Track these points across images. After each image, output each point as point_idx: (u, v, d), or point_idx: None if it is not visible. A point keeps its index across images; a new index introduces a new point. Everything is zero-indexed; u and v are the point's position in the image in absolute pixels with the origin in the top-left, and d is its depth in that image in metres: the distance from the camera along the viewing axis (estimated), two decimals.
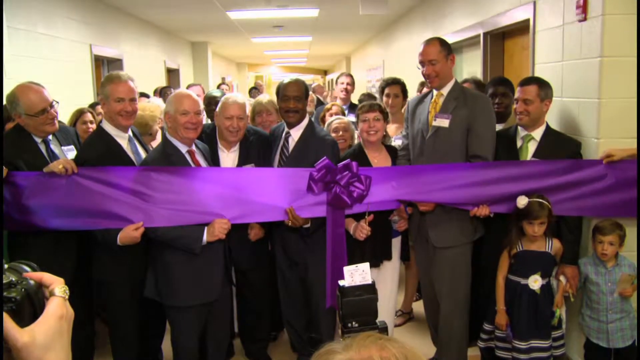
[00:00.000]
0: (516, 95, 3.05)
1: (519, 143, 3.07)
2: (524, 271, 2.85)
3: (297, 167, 2.97)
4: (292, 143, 3.16)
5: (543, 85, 3.00)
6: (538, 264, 2.85)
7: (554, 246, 2.86)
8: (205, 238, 2.71)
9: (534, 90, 2.96)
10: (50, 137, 2.91)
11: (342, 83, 5.48)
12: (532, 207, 2.78)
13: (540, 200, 2.79)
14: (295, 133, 3.16)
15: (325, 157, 2.88)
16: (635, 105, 2.86)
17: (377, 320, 1.62)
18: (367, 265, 1.70)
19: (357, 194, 2.85)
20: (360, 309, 1.63)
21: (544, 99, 2.97)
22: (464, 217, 2.97)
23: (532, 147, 3.03)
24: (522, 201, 2.79)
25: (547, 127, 3.05)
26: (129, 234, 2.69)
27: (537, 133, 3.03)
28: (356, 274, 1.67)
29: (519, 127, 3.08)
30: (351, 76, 5.65)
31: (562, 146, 2.99)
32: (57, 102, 2.91)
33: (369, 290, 1.65)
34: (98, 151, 2.82)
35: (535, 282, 2.83)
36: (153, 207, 2.75)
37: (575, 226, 2.95)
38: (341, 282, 1.67)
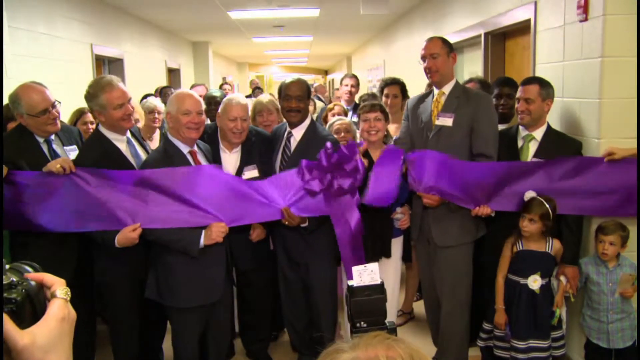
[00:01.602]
0: (518, 94, 3.05)
1: (520, 143, 3.07)
2: (524, 271, 2.85)
3: (293, 169, 2.96)
4: (294, 143, 3.15)
5: (544, 85, 3.00)
6: (538, 264, 2.85)
7: (554, 247, 2.86)
8: (202, 241, 2.71)
9: (535, 90, 2.96)
10: (52, 137, 2.90)
11: (347, 85, 5.47)
12: (530, 202, 2.79)
13: (541, 199, 2.79)
14: (297, 133, 3.16)
15: (302, 160, 2.86)
16: (636, 105, 2.86)
17: (386, 321, 1.61)
18: (375, 265, 1.69)
19: (350, 168, 2.80)
20: (368, 308, 1.62)
21: (545, 98, 2.97)
22: (466, 216, 2.97)
23: (533, 147, 3.03)
24: (528, 194, 2.81)
25: (548, 127, 3.05)
26: (127, 235, 2.68)
27: (538, 133, 3.02)
28: (365, 274, 1.66)
29: (520, 127, 3.08)
30: (355, 77, 5.63)
31: (563, 146, 2.98)
32: (59, 102, 2.90)
33: (378, 290, 1.64)
34: (96, 155, 2.79)
35: (534, 282, 2.83)
36: (150, 208, 2.74)
37: (576, 226, 2.95)
38: (350, 282, 1.67)
